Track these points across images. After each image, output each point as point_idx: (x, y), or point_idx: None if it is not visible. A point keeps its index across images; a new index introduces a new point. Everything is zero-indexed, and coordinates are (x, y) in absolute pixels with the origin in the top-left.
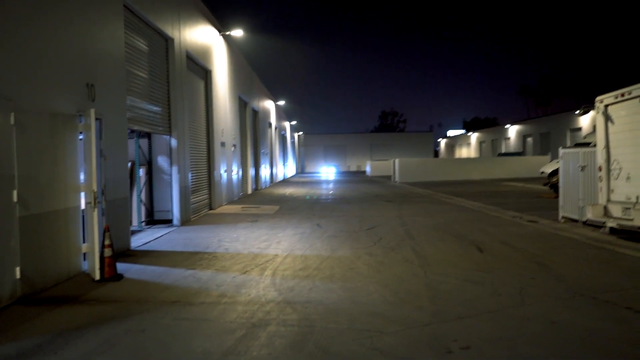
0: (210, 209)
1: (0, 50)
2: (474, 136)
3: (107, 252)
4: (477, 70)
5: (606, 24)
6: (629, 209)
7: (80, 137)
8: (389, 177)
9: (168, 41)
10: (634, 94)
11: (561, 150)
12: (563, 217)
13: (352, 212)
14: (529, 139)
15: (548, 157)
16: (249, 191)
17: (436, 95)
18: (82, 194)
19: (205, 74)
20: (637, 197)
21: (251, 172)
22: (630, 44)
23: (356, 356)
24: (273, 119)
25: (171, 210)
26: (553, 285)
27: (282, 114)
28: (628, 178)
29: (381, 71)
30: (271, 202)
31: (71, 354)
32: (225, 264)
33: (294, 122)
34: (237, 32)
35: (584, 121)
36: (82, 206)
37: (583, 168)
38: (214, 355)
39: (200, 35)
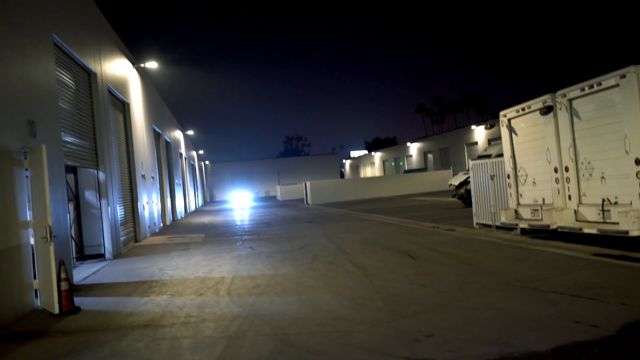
0: (136, 241)
1: None
2: (377, 155)
3: (64, 285)
4: (376, 92)
5: (489, 47)
6: (537, 210)
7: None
8: (300, 200)
9: (91, 75)
10: (533, 107)
11: (471, 162)
12: (477, 224)
13: (278, 234)
14: (430, 155)
15: (450, 171)
16: (168, 222)
17: (337, 118)
18: (30, 231)
19: (123, 107)
20: (544, 199)
21: (168, 203)
22: (514, 63)
23: (336, 352)
24: (183, 149)
25: (103, 245)
26: (486, 280)
27: (190, 144)
28: (534, 183)
29: (283, 97)
30: (194, 231)
31: None
32: (177, 289)
33: (201, 152)
34: (152, 64)
35: (479, 136)
36: (31, 242)
37: (492, 177)
38: None
39: (118, 68)
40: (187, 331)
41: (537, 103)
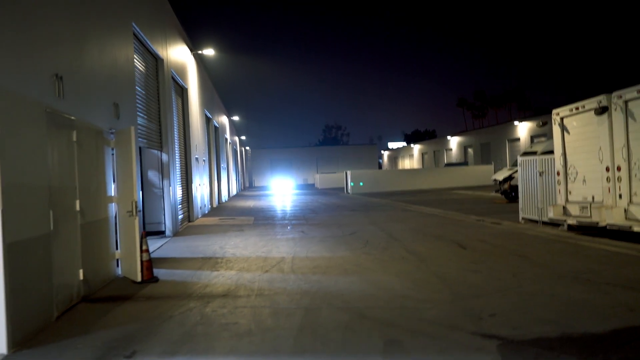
0: (190, 221)
1: (69, 79)
2: (416, 148)
3: (145, 256)
4: (416, 85)
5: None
6: (586, 207)
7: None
8: (339, 189)
9: (158, 61)
10: (587, 107)
11: (519, 158)
12: (523, 219)
13: (325, 221)
14: (470, 150)
15: (491, 167)
16: (214, 205)
17: (377, 109)
18: (113, 205)
19: (182, 92)
20: (593, 197)
21: (215, 186)
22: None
23: (409, 325)
24: (227, 134)
25: (163, 222)
26: (538, 270)
27: (233, 129)
28: (584, 181)
29: (323, 86)
30: (242, 214)
31: (172, 334)
32: (242, 266)
33: (243, 137)
34: (209, 51)
35: (522, 132)
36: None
37: (541, 173)
38: (291, 329)
39: (179, 54)
40: (264, 301)
41: (591, 103)
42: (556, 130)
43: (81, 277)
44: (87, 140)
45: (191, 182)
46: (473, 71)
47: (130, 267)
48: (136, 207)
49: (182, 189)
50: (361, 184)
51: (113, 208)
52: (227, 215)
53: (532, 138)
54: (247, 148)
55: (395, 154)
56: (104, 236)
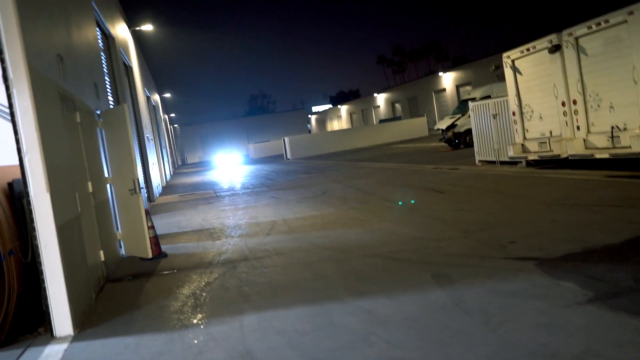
0: (150, 201)
1: (66, 60)
2: (343, 108)
3: (152, 232)
4: (336, 47)
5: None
6: (545, 142)
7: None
8: (276, 157)
9: (109, 39)
10: (538, 47)
11: (471, 104)
12: (480, 161)
13: (287, 185)
14: (397, 105)
15: (424, 119)
16: (164, 184)
17: (299, 75)
18: (109, 186)
19: (127, 70)
20: (551, 132)
21: (162, 165)
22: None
23: (440, 260)
24: (160, 112)
25: None
26: (524, 202)
27: (164, 107)
28: (540, 118)
29: (247, 56)
30: (197, 189)
31: (225, 295)
32: (240, 233)
33: (172, 115)
34: (148, 27)
35: (446, 82)
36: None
37: (495, 116)
38: (337, 277)
39: (122, 32)
40: (289, 259)
41: (542, 43)
42: (508, 72)
43: (102, 259)
44: (86, 122)
45: (147, 162)
46: (391, 27)
47: (138, 245)
48: (139, 184)
49: (142, 170)
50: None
51: (109, 189)
52: (184, 192)
53: (458, 87)
54: (176, 125)
55: (323, 117)
56: (109, 217)
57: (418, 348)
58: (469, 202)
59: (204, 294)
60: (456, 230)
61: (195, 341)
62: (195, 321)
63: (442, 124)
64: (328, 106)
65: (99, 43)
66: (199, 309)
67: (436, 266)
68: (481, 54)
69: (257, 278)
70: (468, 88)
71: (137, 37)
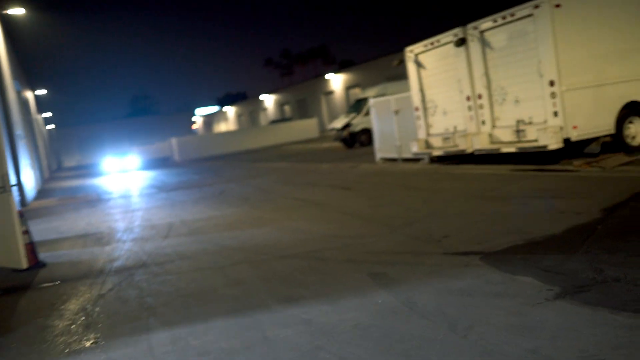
0: (23, 205)
1: None
2: (231, 110)
3: (26, 238)
4: (222, 49)
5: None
6: (449, 138)
7: None
8: (162, 159)
9: None
10: (442, 41)
11: (372, 100)
12: (381, 159)
13: (180, 185)
14: (286, 107)
15: (315, 120)
16: (39, 187)
17: (184, 77)
18: None
19: None
20: (455, 127)
21: (35, 166)
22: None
23: (375, 259)
24: (34, 110)
25: None
26: (442, 196)
27: (38, 106)
28: (444, 113)
29: (130, 57)
30: (78, 192)
31: (124, 309)
32: (132, 236)
33: (48, 115)
34: (18, 11)
35: (335, 85)
36: None
37: (397, 112)
38: (258, 282)
39: None
40: (196, 263)
41: (446, 37)
42: (411, 67)
43: None
44: None
45: (19, 163)
46: (279, 31)
47: (8, 254)
48: (8, 181)
49: (13, 170)
50: None
51: None
52: (62, 195)
53: (347, 89)
54: (53, 126)
55: (210, 119)
56: None
57: None
58: (381, 197)
59: (97, 309)
60: (378, 225)
61: None
62: (88, 344)
63: (338, 123)
64: (215, 108)
65: None
66: (92, 329)
67: (369, 265)
68: (368, 57)
69: (162, 287)
70: (357, 90)
71: (6, 22)
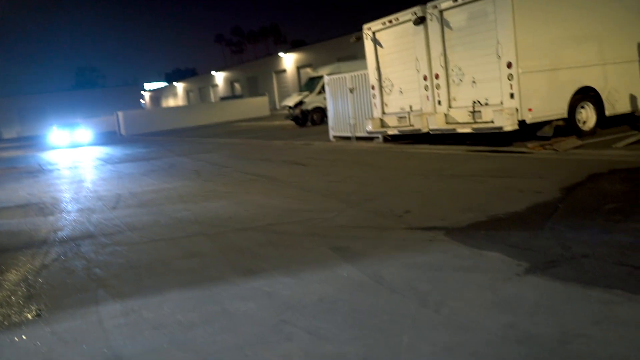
0: None
1: None
2: (180, 86)
3: None
4: (172, 23)
5: None
6: (404, 117)
7: None
8: (108, 133)
9: None
10: (401, 19)
11: (326, 77)
12: (334, 137)
13: (127, 158)
14: (237, 84)
15: (266, 98)
16: None
17: (132, 51)
18: None
19: None
20: (411, 107)
21: None
22: None
23: (337, 233)
24: None
25: None
26: (398, 173)
27: None
28: (401, 92)
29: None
30: (18, 163)
31: (65, 287)
32: (79, 207)
33: None
34: None
35: (287, 64)
36: None
37: (352, 90)
38: (217, 255)
39: None
40: (148, 234)
41: (405, 15)
42: (368, 44)
43: None
44: None
45: None
46: (230, 7)
47: None
48: None
49: None
50: None
51: None
52: (1, 165)
53: (299, 69)
54: None
55: (158, 94)
56: None
57: (354, 339)
58: (337, 173)
59: (39, 279)
60: (336, 201)
61: (36, 344)
62: (30, 317)
63: (290, 101)
64: (163, 84)
65: None
66: (34, 300)
67: (331, 239)
68: (321, 38)
69: (111, 258)
70: (309, 70)
71: None
